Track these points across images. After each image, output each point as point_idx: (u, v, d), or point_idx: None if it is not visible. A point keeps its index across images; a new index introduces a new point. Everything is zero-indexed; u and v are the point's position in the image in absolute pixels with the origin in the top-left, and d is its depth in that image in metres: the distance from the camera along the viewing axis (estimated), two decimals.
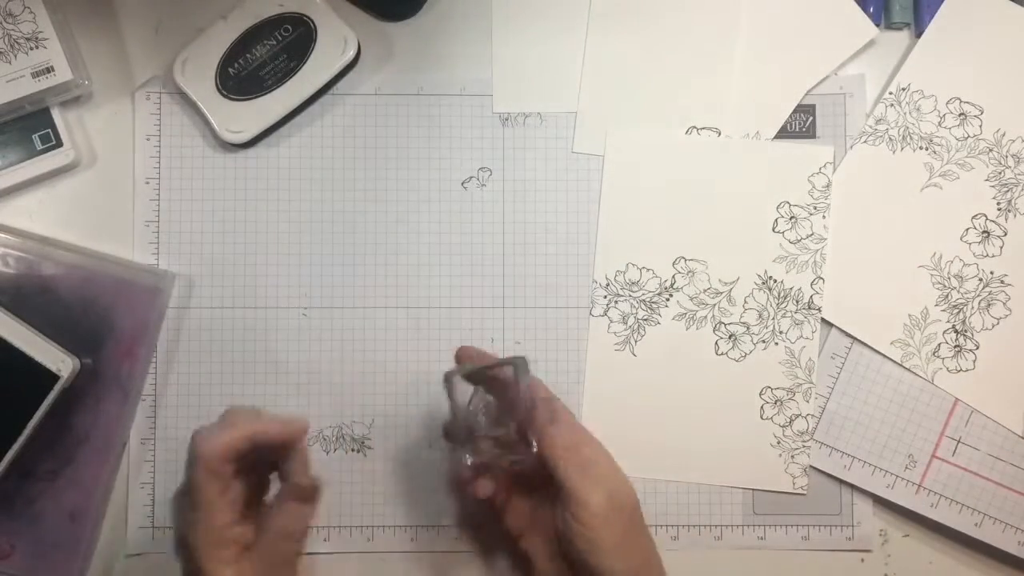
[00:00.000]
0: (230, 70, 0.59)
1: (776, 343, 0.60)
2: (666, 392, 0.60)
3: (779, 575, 0.60)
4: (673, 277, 0.60)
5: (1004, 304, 0.60)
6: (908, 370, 0.59)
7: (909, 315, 0.60)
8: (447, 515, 0.59)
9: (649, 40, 0.61)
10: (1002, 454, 0.59)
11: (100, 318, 0.57)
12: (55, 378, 0.54)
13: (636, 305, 0.60)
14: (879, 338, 0.59)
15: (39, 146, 0.58)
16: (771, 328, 0.60)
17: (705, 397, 0.60)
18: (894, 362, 0.59)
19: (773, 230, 0.60)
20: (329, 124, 0.61)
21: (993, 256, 0.60)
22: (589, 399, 0.60)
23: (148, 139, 0.60)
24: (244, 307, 0.60)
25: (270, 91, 0.59)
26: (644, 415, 0.60)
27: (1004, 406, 0.59)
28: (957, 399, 0.59)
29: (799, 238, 0.60)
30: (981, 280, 0.60)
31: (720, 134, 0.60)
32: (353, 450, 0.59)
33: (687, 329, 0.60)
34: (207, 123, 0.59)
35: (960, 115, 0.60)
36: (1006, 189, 0.60)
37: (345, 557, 0.59)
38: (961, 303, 0.60)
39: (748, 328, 0.60)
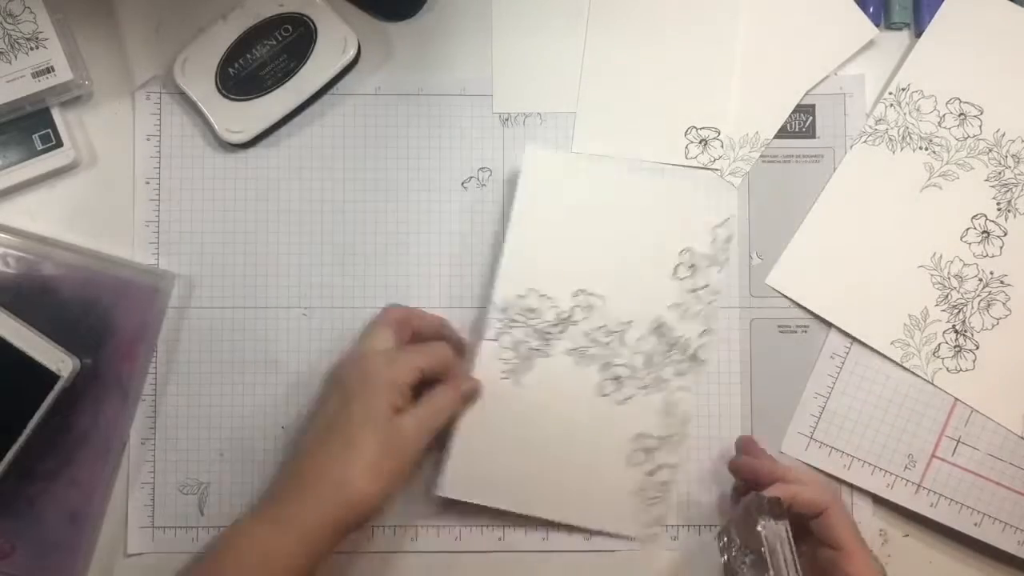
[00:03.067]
0: (230, 70, 0.59)
1: (658, 391, 0.59)
2: (545, 427, 0.58)
3: None
4: (572, 309, 0.58)
5: (1004, 304, 0.60)
6: (908, 370, 0.59)
7: (909, 315, 0.60)
8: (447, 515, 0.59)
9: (649, 40, 0.61)
10: (1002, 454, 0.59)
11: (100, 318, 0.57)
12: (55, 378, 0.54)
13: (530, 334, 0.58)
14: (879, 338, 0.59)
15: (39, 146, 0.58)
16: (655, 375, 0.58)
17: (581, 436, 0.58)
18: (894, 362, 0.59)
19: (673, 275, 0.59)
20: (329, 124, 0.61)
21: (993, 256, 0.60)
22: (465, 423, 0.57)
23: (148, 139, 0.60)
24: (244, 307, 0.60)
25: (270, 91, 0.59)
26: (518, 447, 0.58)
27: (1004, 406, 0.59)
28: (957, 399, 0.59)
29: (696, 288, 0.59)
30: (981, 280, 0.60)
31: (720, 133, 0.60)
32: None
33: (576, 365, 0.58)
34: (207, 123, 0.59)
35: (960, 115, 0.60)
36: (1006, 189, 0.60)
37: (345, 557, 0.59)
38: (961, 303, 0.60)
39: (634, 372, 0.58)
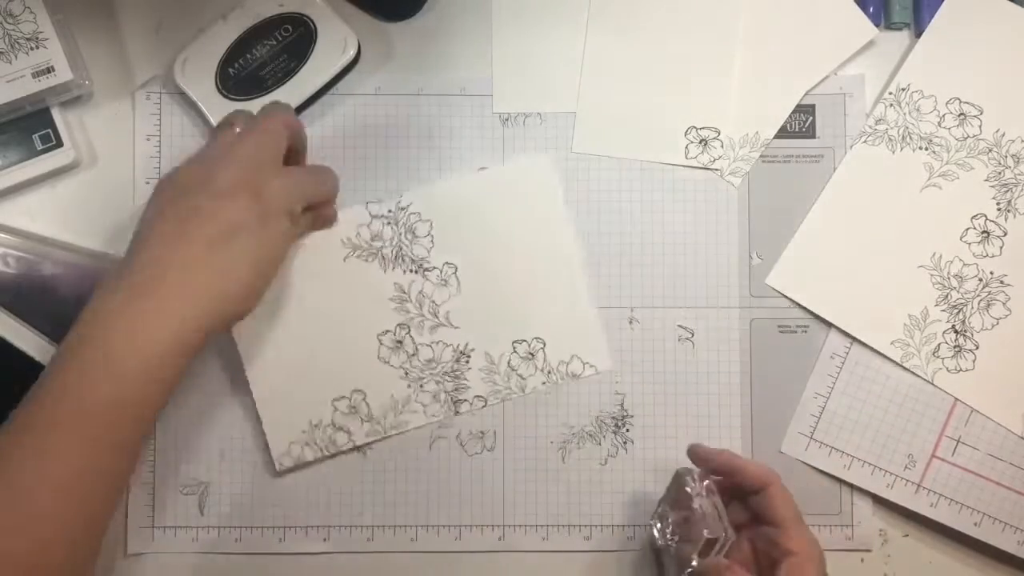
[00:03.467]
0: (230, 70, 0.59)
1: (410, 388, 0.58)
2: (319, 305, 0.58)
3: None
4: (434, 270, 0.59)
5: (1004, 304, 0.60)
6: (908, 370, 0.59)
7: (909, 315, 0.60)
8: (447, 515, 0.59)
9: (649, 40, 0.61)
10: (1002, 454, 0.59)
11: None
12: None
13: (392, 245, 0.59)
14: (879, 338, 0.59)
15: (39, 146, 0.58)
16: (419, 376, 0.58)
17: (332, 344, 0.58)
18: (894, 362, 0.59)
19: (514, 341, 0.59)
20: (329, 124, 0.61)
21: (993, 256, 0.60)
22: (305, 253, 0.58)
23: (148, 139, 0.60)
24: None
25: (270, 91, 0.59)
26: (288, 301, 0.58)
27: (1004, 406, 0.59)
28: (957, 399, 0.59)
29: (514, 370, 0.59)
30: (981, 280, 0.60)
31: (720, 133, 0.60)
32: (353, 451, 0.59)
33: (388, 299, 0.58)
34: (207, 123, 0.59)
35: (960, 115, 0.60)
36: (1006, 189, 0.60)
37: (345, 557, 0.59)
38: (961, 303, 0.60)
39: (411, 356, 0.58)
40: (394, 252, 0.59)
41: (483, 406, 0.59)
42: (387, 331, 0.59)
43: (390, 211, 0.59)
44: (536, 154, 0.60)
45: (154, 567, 0.59)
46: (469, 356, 0.59)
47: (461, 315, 0.59)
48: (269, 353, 0.58)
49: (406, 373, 0.59)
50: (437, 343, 0.59)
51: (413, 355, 0.59)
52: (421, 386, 0.59)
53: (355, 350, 0.58)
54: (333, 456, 0.59)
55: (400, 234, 0.59)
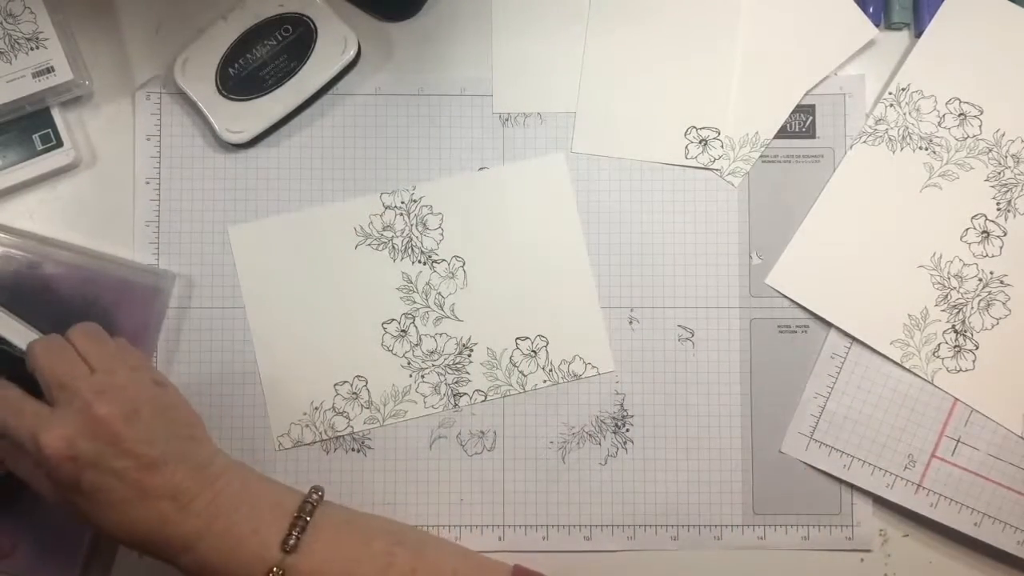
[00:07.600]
0: (230, 70, 0.59)
1: (410, 377, 0.59)
2: (330, 289, 0.59)
3: (779, 575, 0.60)
4: (444, 262, 0.59)
5: (1004, 304, 0.60)
6: (908, 370, 0.59)
7: (909, 315, 0.60)
8: (447, 515, 0.59)
9: (649, 40, 0.61)
10: (1002, 454, 0.59)
11: (100, 318, 0.57)
12: None
13: (401, 233, 0.59)
14: (879, 338, 0.60)
15: (39, 146, 0.58)
16: (420, 367, 0.59)
17: (336, 317, 0.59)
18: (894, 362, 0.59)
19: (518, 341, 0.59)
20: (329, 124, 0.61)
21: (993, 256, 0.60)
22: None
23: (148, 139, 0.60)
24: (245, 307, 0.60)
25: (270, 91, 0.59)
26: (295, 268, 0.59)
27: (1004, 406, 0.59)
28: (957, 399, 0.59)
29: (515, 364, 0.59)
30: (981, 280, 0.60)
31: (720, 133, 0.61)
32: (353, 450, 0.60)
33: (395, 286, 0.59)
34: (207, 123, 0.59)
35: (960, 115, 0.60)
36: (1006, 189, 0.60)
37: None
38: (961, 303, 0.60)
39: (414, 346, 0.59)
40: (404, 243, 0.59)
41: (483, 400, 0.59)
42: (392, 320, 0.59)
43: (403, 202, 0.59)
44: (550, 153, 0.60)
45: (154, 566, 0.59)
46: (472, 350, 0.59)
47: (466, 309, 0.59)
48: (277, 333, 0.59)
49: (408, 363, 0.59)
50: (440, 335, 0.59)
51: (416, 345, 0.59)
52: (422, 376, 0.59)
53: (359, 336, 0.59)
54: (331, 439, 0.59)
55: (411, 225, 0.59)
